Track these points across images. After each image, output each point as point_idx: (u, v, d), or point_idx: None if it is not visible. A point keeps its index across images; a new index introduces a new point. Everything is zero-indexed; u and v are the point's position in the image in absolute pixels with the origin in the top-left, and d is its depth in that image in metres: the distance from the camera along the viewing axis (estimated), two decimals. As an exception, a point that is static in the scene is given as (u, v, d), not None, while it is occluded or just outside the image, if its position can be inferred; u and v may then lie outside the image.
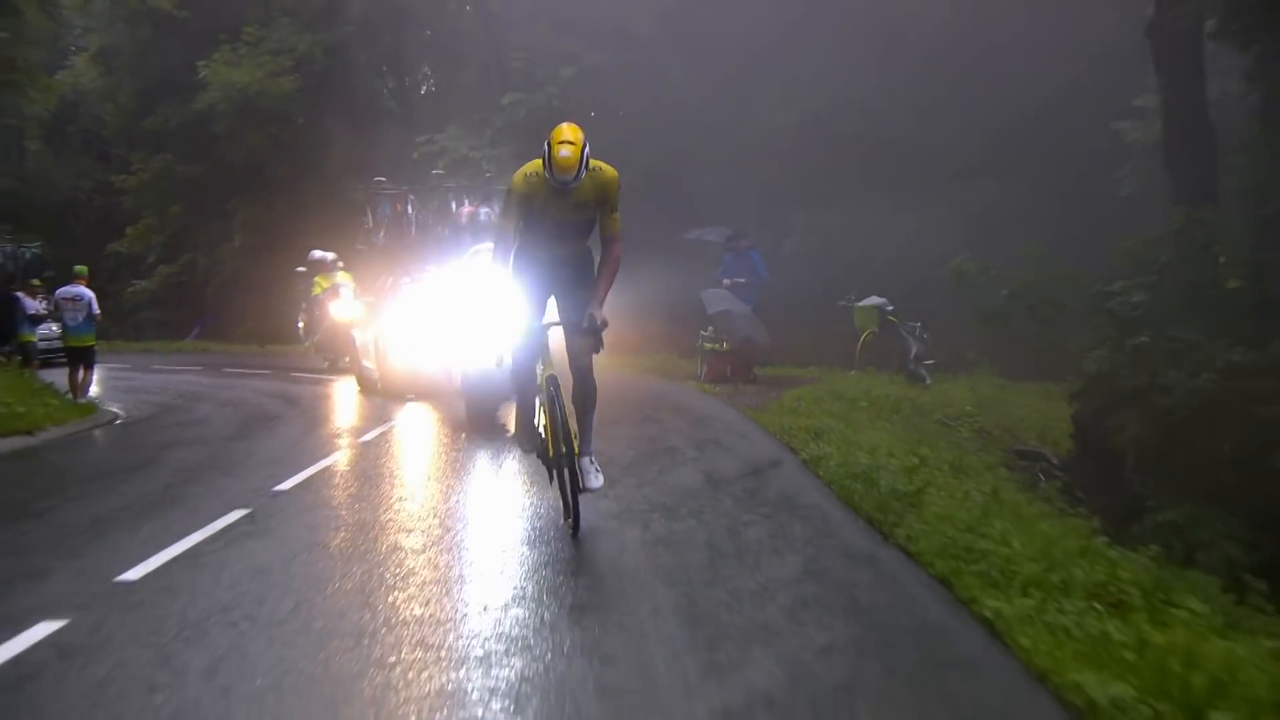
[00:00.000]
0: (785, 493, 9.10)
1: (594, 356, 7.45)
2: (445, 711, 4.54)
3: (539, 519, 8.02)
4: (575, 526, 7.43)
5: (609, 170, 7.23)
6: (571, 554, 7.04)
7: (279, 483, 9.48)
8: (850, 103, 25.02)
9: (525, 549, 7.23)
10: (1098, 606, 5.78)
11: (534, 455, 7.94)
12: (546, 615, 5.73)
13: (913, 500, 8.18)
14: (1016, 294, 15.86)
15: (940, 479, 9.41)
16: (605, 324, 7.25)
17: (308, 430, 14.06)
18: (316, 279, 25.15)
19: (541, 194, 7.10)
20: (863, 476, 9.02)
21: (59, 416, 15.50)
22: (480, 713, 4.49)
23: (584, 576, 6.56)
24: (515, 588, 6.27)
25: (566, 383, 7.47)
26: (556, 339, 7.59)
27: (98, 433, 15.31)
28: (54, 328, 21.78)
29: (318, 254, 25.28)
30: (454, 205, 19.31)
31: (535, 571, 6.67)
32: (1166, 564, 8.58)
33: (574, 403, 7.56)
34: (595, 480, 7.46)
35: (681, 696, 4.70)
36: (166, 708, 4.61)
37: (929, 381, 18.80)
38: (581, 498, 7.45)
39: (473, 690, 4.73)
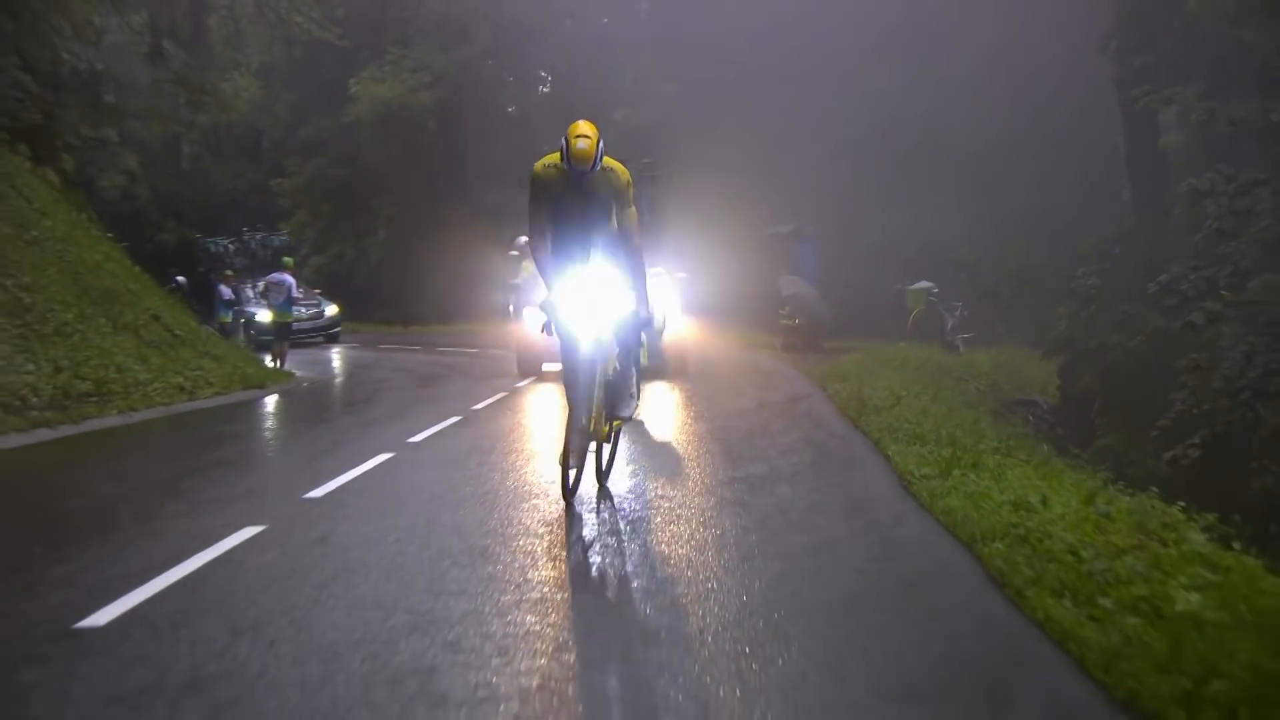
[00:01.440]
0: (804, 409, 13.96)
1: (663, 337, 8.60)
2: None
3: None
4: (603, 477, 8.31)
5: (621, 169, 7.73)
6: (648, 447, 11.84)
7: (414, 435, 11.82)
8: (911, 117, 29.63)
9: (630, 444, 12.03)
10: (952, 450, 10.43)
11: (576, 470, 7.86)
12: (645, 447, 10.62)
13: (881, 410, 12.90)
14: (1002, 278, 20.49)
15: (911, 401, 14.09)
16: (651, 321, 8.12)
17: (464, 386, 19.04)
18: (524, 264, 29.83)
19: (560, 185, 7.58)
20: (856, 399, 13.78)
21: (274, 377, 20.61)
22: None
23: (664, 452, 11.37)
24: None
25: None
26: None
27: (303, 386, 20.35)
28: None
29: (523, 239, 29.67)
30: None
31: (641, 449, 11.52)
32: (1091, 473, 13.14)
33: (621, 366, 8.09)
34: (627, 409, 8.25)
35: (720, 475, 9.47)
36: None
37: (961, 350, 23.43)
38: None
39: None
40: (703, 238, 21.90)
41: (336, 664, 4.59)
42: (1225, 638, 4.73)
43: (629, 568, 6.35)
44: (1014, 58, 27.64)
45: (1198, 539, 6.96)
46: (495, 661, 4.64)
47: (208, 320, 28.66)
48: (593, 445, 7.97)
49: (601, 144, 7.39)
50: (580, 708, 4.27)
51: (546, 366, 17.80)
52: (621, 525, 7.42)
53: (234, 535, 6.80)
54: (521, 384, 17.45)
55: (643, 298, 7.83)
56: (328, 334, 33.61)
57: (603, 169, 7.50)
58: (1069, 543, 6.38)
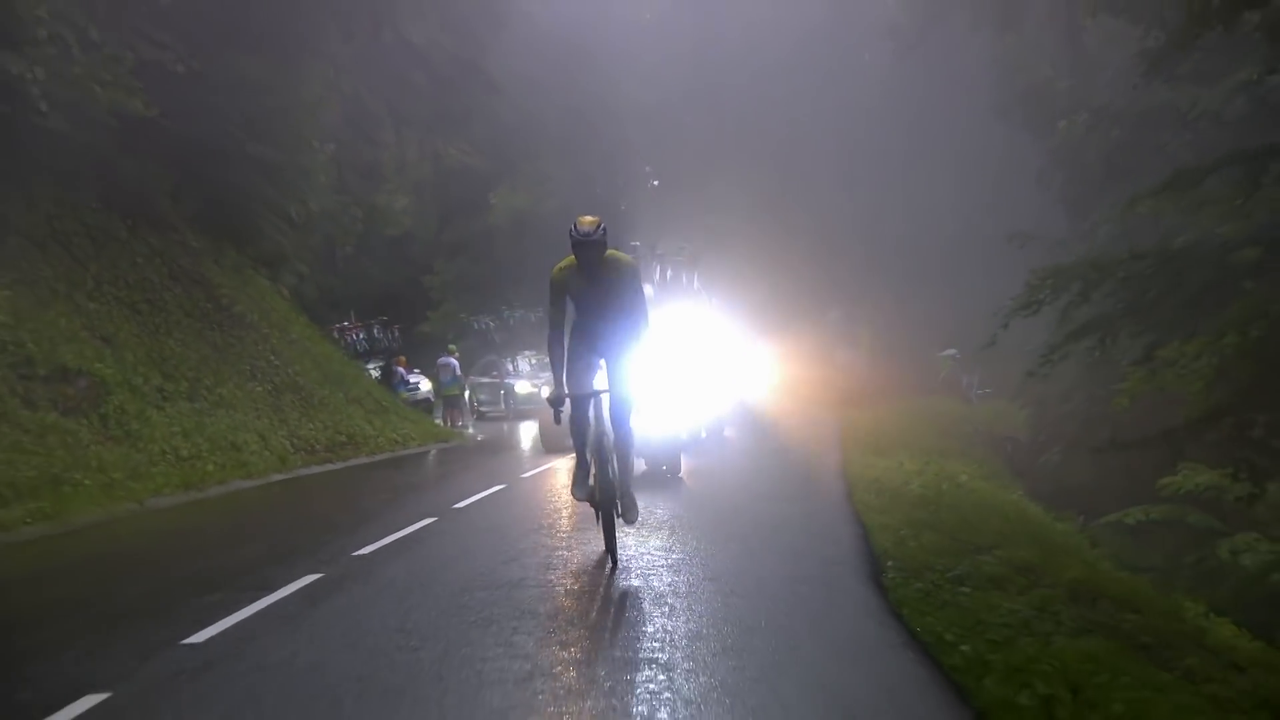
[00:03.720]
0: (820, 432, 21.16)
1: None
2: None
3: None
4: (614, 560, 8.81)
5: (625, 257, 8.51)
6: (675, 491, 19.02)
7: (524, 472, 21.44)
8: (946, 214, 36.88)
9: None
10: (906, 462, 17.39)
11: (584, 500, 9.11)
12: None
13: (871, 430, 19.98)
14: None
15: (898, 432, 21.10)
16: (644, 398, 8.88)
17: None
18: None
19: (575, 282, 8.39)
20: (856, 425, 20.92)
21: (453, 435, 28.35)
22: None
23: (705, 454, 18.54)
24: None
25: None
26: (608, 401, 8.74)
27: (477, 440, 27.97)
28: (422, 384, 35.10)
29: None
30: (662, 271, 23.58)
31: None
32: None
33: (618, 456, 8.80)
34: (632, 514, 8.85)
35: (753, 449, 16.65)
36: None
37: (975, 402, 30.33)
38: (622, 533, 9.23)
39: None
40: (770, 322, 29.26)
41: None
42: (918, 503, 11.93)
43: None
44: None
45: (966, 479, 14.14)
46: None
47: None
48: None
49: (605, 229, 8.23)
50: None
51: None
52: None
53: (428, 518, 12.11)
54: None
55: (639, 376, 8.75)
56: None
57: (608, 258, 8.30)
58: (901, 483, 13.56)
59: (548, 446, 20.50)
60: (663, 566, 8.83)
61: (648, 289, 11.03)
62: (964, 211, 35.55)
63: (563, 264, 8.48)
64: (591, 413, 8.67)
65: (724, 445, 19.98)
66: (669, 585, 8.11)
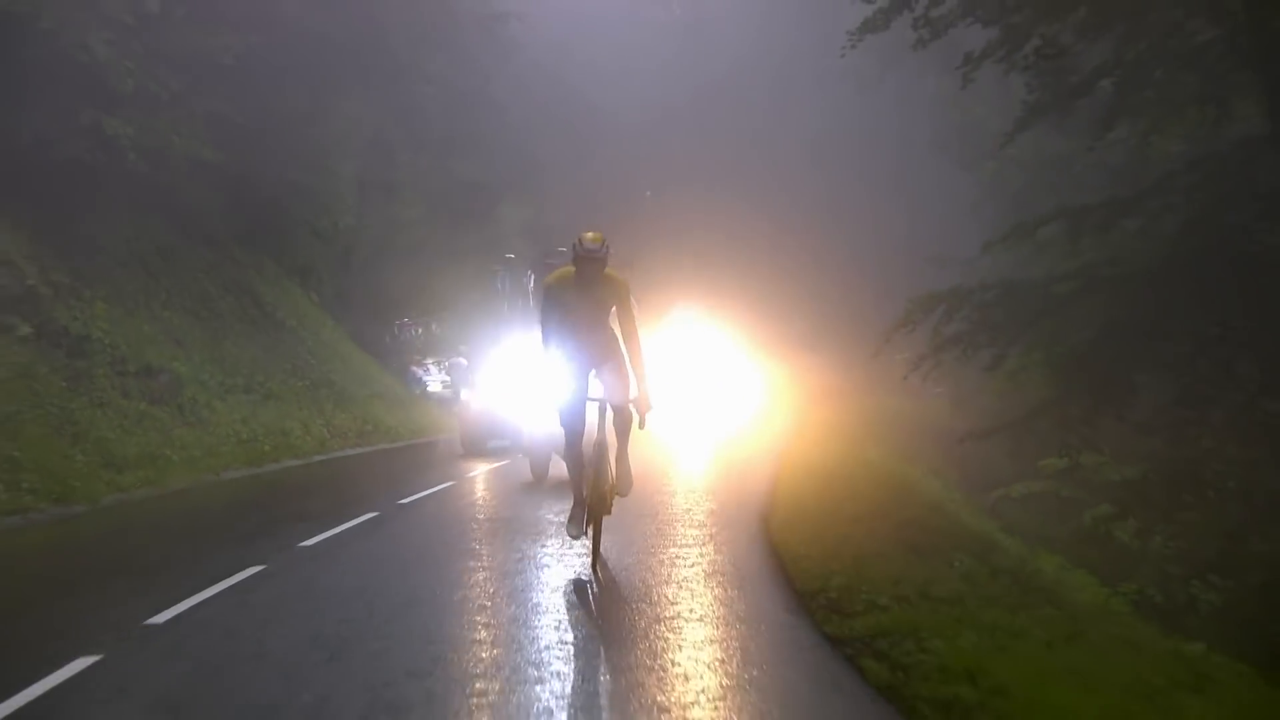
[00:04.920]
0: (776, 427, 25.03)
1: (634, 428, 9.19)
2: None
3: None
4: (595, 568, 9.13)
5: (619, 278, 8.88)
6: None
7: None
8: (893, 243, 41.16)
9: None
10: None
11: (580, 539, 9.40)
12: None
13: (823, 424, 23.83)
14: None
15: (846, 426, 24.94)
16: (650, 408, 8.97)
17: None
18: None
19: (571, 291, 8.73)
20: (810, 421, 24.77)
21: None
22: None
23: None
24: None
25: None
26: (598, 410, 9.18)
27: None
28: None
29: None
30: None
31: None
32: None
33: (616, 467, 9.41)
34: (625, 487, 9.60)
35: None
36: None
37: (928, 400, 34.17)
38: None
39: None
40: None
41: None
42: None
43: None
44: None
45: (875, 459, 18.01)
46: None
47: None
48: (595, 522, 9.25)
49: (609, 247, 8.62)
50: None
51: (493, 444, 20.82)
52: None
53: (447, 482, 16.46)
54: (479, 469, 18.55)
55: (645, 387, 8.93)
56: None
57: (605, 276, 8.67)
58: (821, 461, 17.42)
59: (467, 448, 21.24)
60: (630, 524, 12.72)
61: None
62: (918, 232, 39.33)
63: (559, 274, 8.88)
64: (587, 420, 9.16)
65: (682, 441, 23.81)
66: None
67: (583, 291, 8.71)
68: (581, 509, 9.12)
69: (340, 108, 29.47)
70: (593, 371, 9.11)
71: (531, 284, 21.40)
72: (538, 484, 15.89)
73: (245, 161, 24.76)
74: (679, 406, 21.12)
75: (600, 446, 9.04)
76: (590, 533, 9.15)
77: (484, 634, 7.36)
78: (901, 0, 15.02)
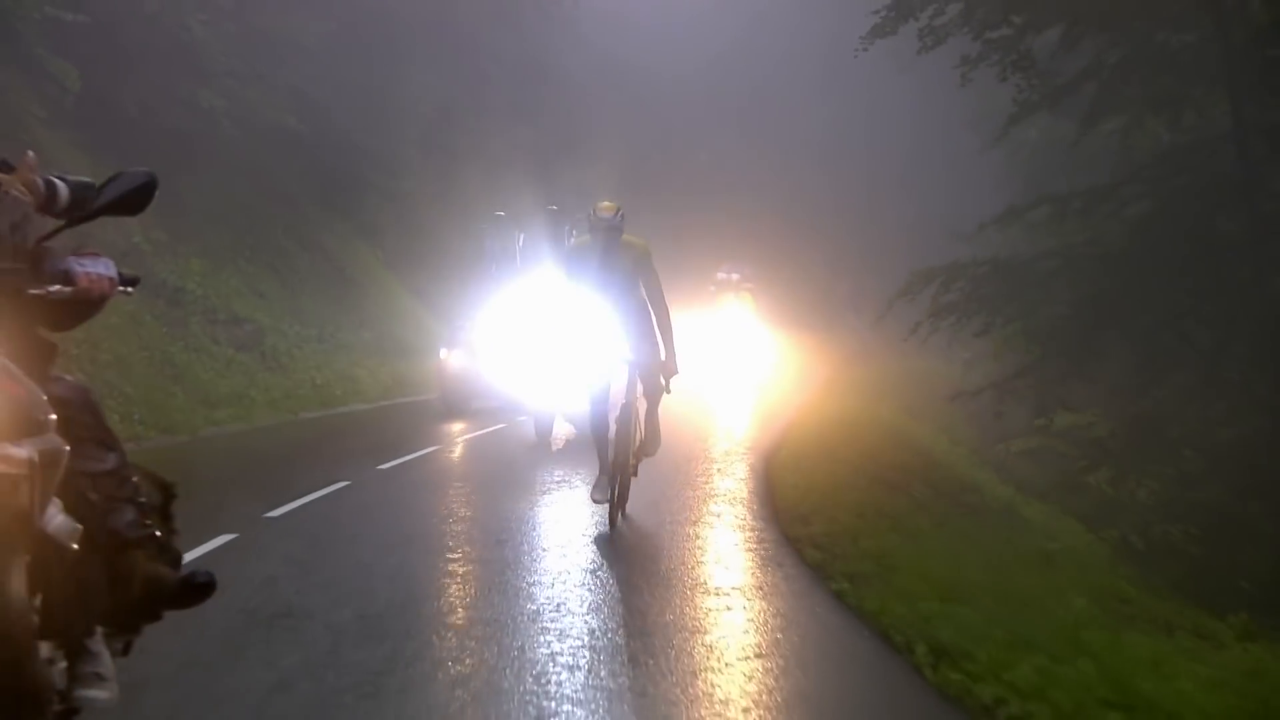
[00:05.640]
0: (804, 383, 27.25)
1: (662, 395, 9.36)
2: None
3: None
4: (613, 523, 9.15)
5: (639, 241, 9.03)
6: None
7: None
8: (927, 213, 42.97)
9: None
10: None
11: (604, 504, 9.21)
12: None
13: (848, 381, 25.97)
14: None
15: (869, 384, 27.05)
16: (675, 371, 9.17)
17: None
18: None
19: (591, 260, 8.91)
20: (838, 379, 26.90)
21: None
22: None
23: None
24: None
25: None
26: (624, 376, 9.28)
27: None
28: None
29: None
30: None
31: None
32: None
33: (645, 428, 9.59)
34: (653, 446, 9.81)
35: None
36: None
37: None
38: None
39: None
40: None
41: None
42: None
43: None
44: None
45: (884, 415, 20.17)
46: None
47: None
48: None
49: (623, 214, 8.81)
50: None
51: (476, 405, 19.55)
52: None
53: (496, 426, 18.96)
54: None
55: (671, 351, 9.12)
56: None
57: (624, 242, 8.83)
58: (837, 414, 19.61)
59: (448, 408, 19.66)
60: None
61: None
62: (951, 204, 41.08)
63: (578, 241, 9.29)
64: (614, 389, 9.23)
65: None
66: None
67: (604, 260, 8.86)
68: (606, 476, 9.14)
69: (408, 77, 31.78)
70: (622, 335, 9.12)
71: (521, 243, 20.40)
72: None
73: (320, 129, 27.13)
74: (708, 366, 22.16)
75: (627, 409, 9.08)
76: (613, 494, 9.09)
77: (534, 515, 9.89)
78: (906, 10, 17.05)
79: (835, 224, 45.11)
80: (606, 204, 8.92)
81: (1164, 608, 11.42)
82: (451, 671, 5.60)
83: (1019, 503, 17.40)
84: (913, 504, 11.49)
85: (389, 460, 13.38)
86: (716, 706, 5.17)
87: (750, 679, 5.53)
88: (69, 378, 3.97)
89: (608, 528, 9.12)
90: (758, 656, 5.92)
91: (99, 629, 3.84)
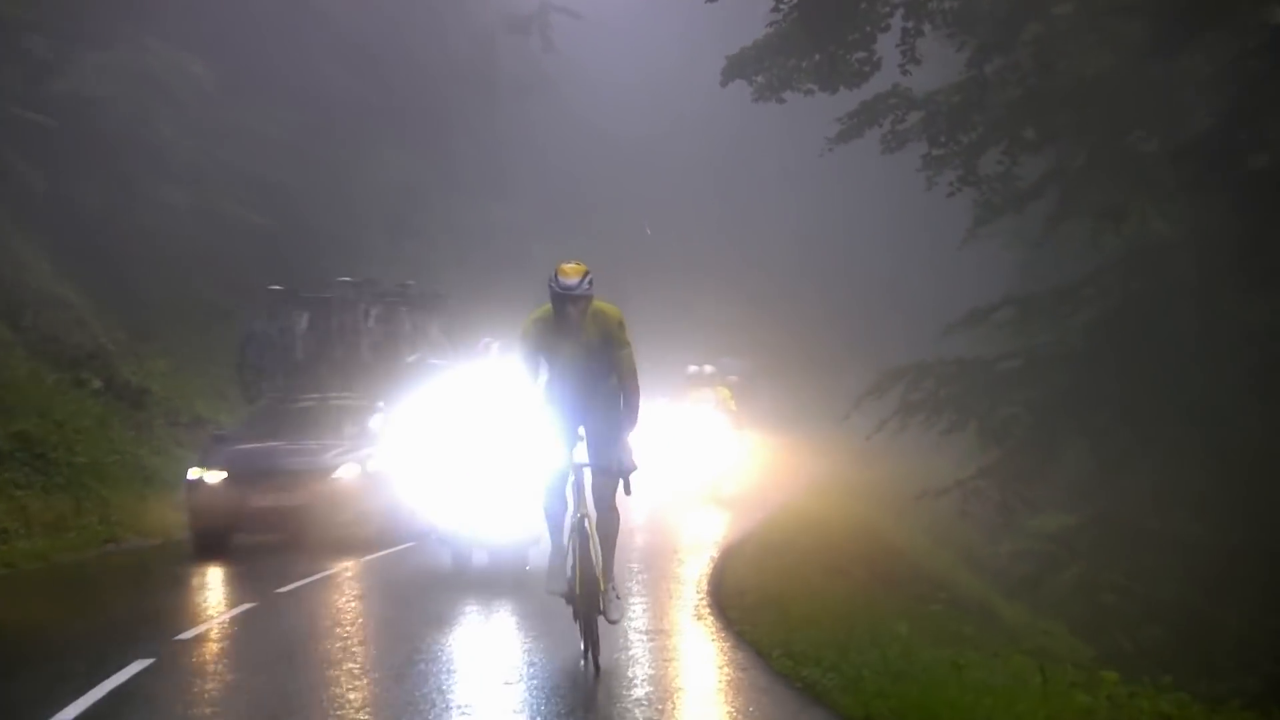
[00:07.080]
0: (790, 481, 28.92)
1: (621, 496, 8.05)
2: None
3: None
4: (596, 666, 7.89)
5: (610, 309, 7.84)
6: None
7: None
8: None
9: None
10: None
11: (558, 595, 8.04)
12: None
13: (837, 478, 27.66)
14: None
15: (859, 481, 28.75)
16: (634, 468, 7.89)
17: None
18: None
19: (552, 339, 7.70)
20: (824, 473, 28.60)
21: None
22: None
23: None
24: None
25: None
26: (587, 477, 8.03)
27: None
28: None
29: None
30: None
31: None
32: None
33: (600, 540, 8.01)
34: (615, 612, 8.18)
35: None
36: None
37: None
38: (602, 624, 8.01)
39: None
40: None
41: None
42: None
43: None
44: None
45: (861, 511, 21.85)
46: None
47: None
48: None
49: (590, 279, 7.51)
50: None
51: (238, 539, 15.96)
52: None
53: None
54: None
55: (625, 446, 7.94)
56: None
57: (593, 311, 7.66)
58: (819, 511, 21.25)
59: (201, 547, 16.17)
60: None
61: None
62: (941, 295, 42.41)
63: (537, 314, 7.82)
64: (571, 489, 8.04)
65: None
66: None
67: (565, 335, 7.71)
68: (562, 559, 8.07)
69: (375, 157, 33.74)
70: (580, 429, 8.10)
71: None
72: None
73: (285, 219, 28.80)
74: (671, 471, 21.87)
75: (583, 524, 7.94)
76: (581, 629, 7.98)
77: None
78: (868, 119, 19.06)
79: (820, 314, 46.55)
80: (570, 266, 7.53)
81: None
82: None
83: (998, 604, 18.92)
84: (847, 583, 13.40)
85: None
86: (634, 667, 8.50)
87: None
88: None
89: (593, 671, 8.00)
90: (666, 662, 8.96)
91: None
